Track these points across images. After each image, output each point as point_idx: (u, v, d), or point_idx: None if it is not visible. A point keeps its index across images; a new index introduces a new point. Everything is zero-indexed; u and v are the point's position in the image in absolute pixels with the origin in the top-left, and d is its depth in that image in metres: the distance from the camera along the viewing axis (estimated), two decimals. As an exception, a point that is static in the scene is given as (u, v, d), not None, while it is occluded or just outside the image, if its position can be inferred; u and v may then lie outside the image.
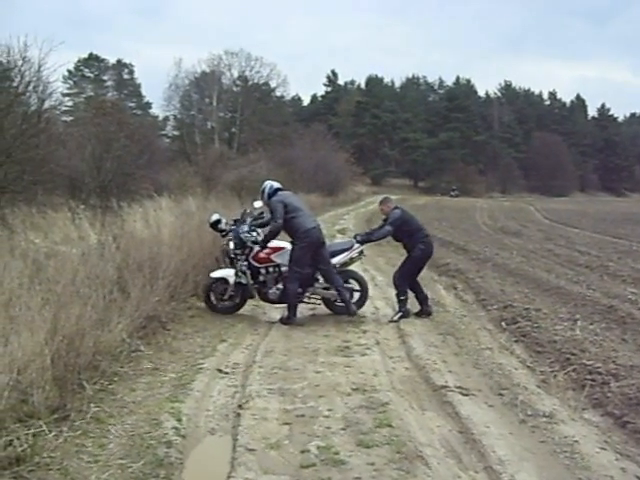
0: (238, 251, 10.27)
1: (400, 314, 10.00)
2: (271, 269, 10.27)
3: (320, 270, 10.13)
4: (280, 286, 10.16)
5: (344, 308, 10.19)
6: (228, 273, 10.30)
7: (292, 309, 9.92)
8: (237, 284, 10.29)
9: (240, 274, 10.23)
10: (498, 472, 4.89)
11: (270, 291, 10.27)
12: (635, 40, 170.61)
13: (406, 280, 10.18)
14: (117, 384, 6.63)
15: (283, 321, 9.88)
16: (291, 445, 5.31)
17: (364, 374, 7.25)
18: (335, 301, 10.35)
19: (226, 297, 10.33)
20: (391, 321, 9.90)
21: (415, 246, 10.13)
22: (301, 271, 9.90)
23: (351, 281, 10.46)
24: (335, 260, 10.26)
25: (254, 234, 10.37)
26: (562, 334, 8.78)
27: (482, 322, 10.00)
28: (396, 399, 6.45)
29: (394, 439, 5.41)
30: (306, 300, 10.40)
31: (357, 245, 10.43)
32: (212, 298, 10.32)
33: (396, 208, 10.38)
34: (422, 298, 10.33)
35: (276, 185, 10.51)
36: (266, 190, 10.42)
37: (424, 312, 10.21)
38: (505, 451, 5.26)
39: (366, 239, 10.47)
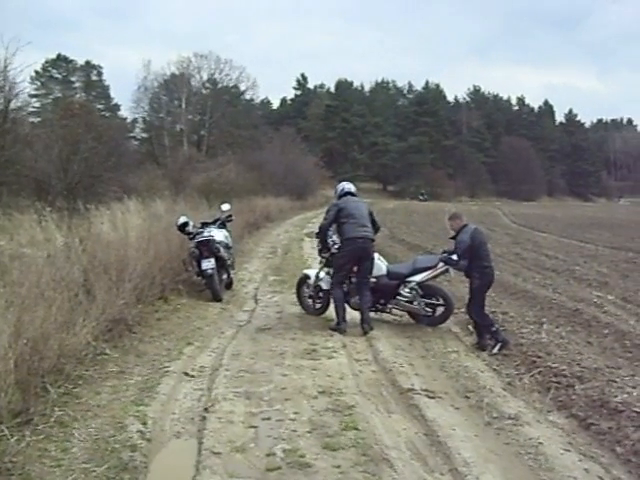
0: (326, 255, 10.23)
1: (499, 345, 8.84)
2: (353, 278, 10.00)
3: (354, 279, 9.90)
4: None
5: (434, 319, 9.96)
6: (312, 273, 10.51)
7: (338, 315, 9.59)
8: (317, 287, 10.39)
9: (320, 278, 10.30)
10: (463, 474, 4.92)
11: (352, 300, 10.00)
12: (600, 48, 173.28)
13: (480, 310, 9.17)
14: (82, 387, 6.56)
15: (331, 327, 9.54)
16: (257, 448, 5.30)
17: (331, 377, 7.24)
18: (425, 315, 9.99)
19: (307, 295, 10.60)
20: (491, 354, 8.62)
21: (471, 275, 9.19)
22: (341, 278, 9.75)
23: (437, 297, 10.07)
24: (418, 278, 9.96)
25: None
26: (528, 337, 8.89)
27: (448, 325, 10.02)
28: (362, 402, 6.46)
29: (360, 442, 5.41)
30: (387, 311, 10.21)
31: (441, 264, 9.85)
32: (302, 291, 10.72)
33: (465, 227, 9.35)
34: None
35: (347, 189, 10.34)
36: (337, 192, 10.46)
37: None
38: (470, 453, 5.30)
39: (448, 261, 9.66)
